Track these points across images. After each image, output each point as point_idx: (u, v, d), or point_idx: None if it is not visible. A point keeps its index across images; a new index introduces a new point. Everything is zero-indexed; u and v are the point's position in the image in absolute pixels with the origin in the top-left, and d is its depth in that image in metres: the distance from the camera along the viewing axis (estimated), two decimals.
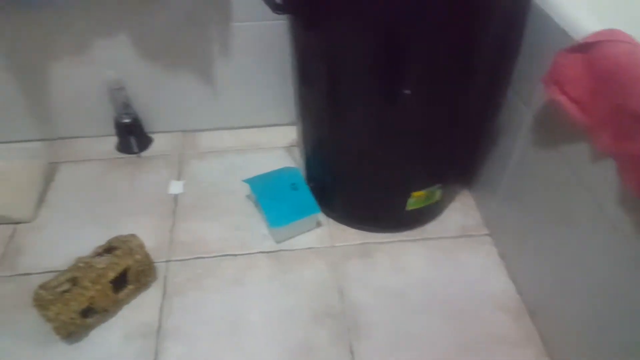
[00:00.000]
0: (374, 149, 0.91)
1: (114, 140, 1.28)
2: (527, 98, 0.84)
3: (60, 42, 1.11)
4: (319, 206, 1.04)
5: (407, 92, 0.77)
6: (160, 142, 1.29)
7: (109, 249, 0.94)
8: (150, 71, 1.19)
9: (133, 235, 0.95)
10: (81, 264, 0.90)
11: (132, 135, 1.23)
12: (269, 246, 1.04)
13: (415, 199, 0.98)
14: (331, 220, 1.10)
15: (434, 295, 0.95)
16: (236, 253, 1.03)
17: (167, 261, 1.01)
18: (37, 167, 1.15)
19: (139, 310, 0.93)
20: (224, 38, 1.15)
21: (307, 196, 1.05)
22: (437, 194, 1.01)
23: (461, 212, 1.11)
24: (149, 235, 1.00)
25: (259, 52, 1.18)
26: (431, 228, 1.07)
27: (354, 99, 0.84)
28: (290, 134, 1.32)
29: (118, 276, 0.90)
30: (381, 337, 0.89)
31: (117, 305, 0.92)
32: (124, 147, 1.25)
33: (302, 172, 1.11)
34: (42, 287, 0.87)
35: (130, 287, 0.92)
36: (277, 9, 0.79)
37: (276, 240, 1.05)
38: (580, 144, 0.71)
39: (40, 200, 1.13)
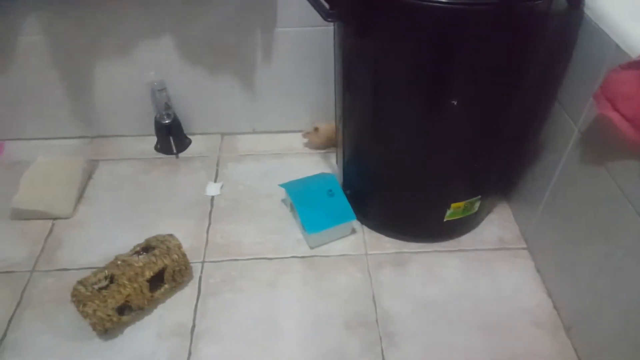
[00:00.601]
0: (416, 158, 0.90)
1: (153, 140, 1.30)
2: (574, 113, 0.82)
3: (107, 43, 1.15)
4: (354, 213, 1.03)
5: (454, 102, 0.77)
6: (198, 144, 1.31)
7: (147, 247, 0.96)
8: (192, 73, 1.21)
9: (171, 235, 0.97)
10: (119, 262, 0.92)
11: (171, 136, 1.25)
12: (303, 251, 1.05)
13: (454, 210, 0.97)
14: (365, 228, 1.09)
15: (468, 307, 0.94)
16: (270, 257, 1.03)
17: (202, 262, 1.02)
18: (77, 164, 1.18)
19: (174, 309, 0.94)
20: (267, 43, 1.16)
21: (343, 203, 1.04)
22: (476, 205, 0.99)
23: (498, 224, 1.09)
24: (185, 235, 1.01)
25: (300, 58, 1.20)
26: (467, 239, 1.06)
27: (399, 107, 0.84)
28: None
29: (155, 275, 0.91)
30: (414, 347, 0.88)
31: (153, 303, 0.93)
32: (163, 147, 1.28)
33: (338, 179, 1.11)
34: (81, 283, 0.89)
35: (166, 286, 0.94)
36: (328, 16, 0.79)
37: (310, 245, 1.05)
38: (629, 161, 0.69)
39: (79, 196, 1.15)
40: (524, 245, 1.05)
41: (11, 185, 1.14)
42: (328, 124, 1.22)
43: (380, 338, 0.89)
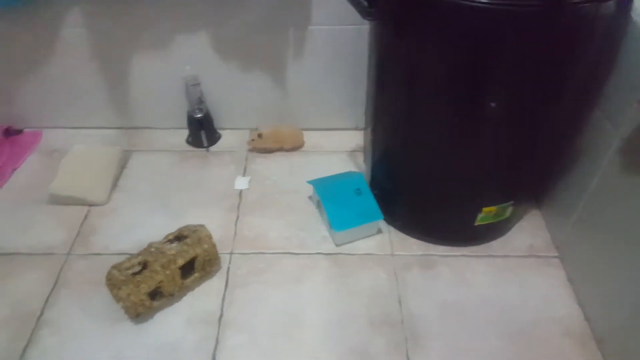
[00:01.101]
0: (449, 160, 0.90)
1: (184, 133, 1.33)
2: (616, 119, 0.81)
3: (145, 37, 1.17)
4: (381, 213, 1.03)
5: (493, 104, 0.76)
6: (228, 139, 1.33)
7: (179, 236, 0.98)
8: (225, 69, 1.23)
9: (202, 226, 0.98)
10: (153, 249, 0.94)
11: (203, 130, 1.28)
12: (328, 248, 1.05)
13: (485, 214, 0.96)
14: (392, 229, 1.09)
15: (496, 313, 0.92)
16: (296, 252, 1.04)
17: (230, 253, 1.04)
18: (113, 154, 1.21)
19: (203, 297, 0.95)
20: (300, 41, 1.18)
21: (370, 202, 1.05)
22: (508, 211, 0.98)
23: (529, 231, 1.08)
24: (214, 226, 1.02)
25: (332, 56, 1.20)
26: (497, 245, 1.05)
27: (434, 108, 0.84)
28: (354, 139, 1.33)
29: (186, 263, 0.93)
30: (440, 350, 0.87)
31: (183, 291, 0.95)
32: (194, 140, 1.30)
33: (365, 178, 1.11)
34: (115, 267, 0.92)
35: (196, 274, 0.95)
36: (367, 14, 0.80)
37: (336, 243, 1.06)
38: None
39: (114, 185, 1.18)
40: (556, 254, 1.03)
41: (49, 171, 1.18)
42: (271, 129, 1.26)
43: (406, 339, 0.89)
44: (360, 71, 1.21)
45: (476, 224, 0.98)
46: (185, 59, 1.20)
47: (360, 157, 1.27)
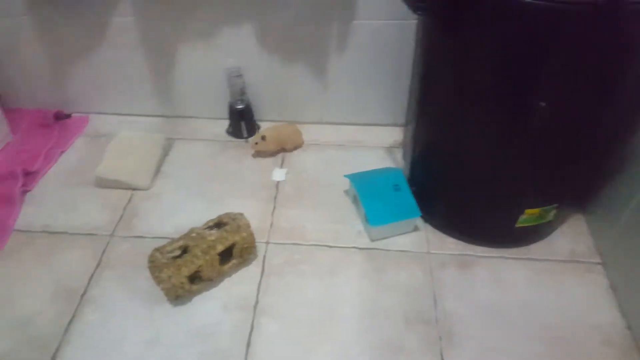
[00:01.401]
0: (493, 160, 0.88)
1: (224, 123, 1.35)
2: None
3: (192, 27, 1.20)
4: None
5: (543, 104, 0.74)
6: None
7: (219, 223, 1.00)
8: (268, 61, 1.24)
9: (241, 214, 1.00)
10: (194, 234, 0.96)
11: (243, 121, 1.30)
12: (364, 243, 1.05)
13: (528, 217, 0.95)
14: (429, 226, 1.08)
15: (534, 317, 0.91)
16: (331, 245, 1.05)
17: (267, 242, 1.05)
18: (157, 140, 1.24)
19: (239, 284, 0.97)
20: (343, 35, 1.18)
21: (409, 198, 1.04)
22: (552, 214, 0.96)
23: (571, 236, 1.05)
24: (251, 216, 1.03)
25: (375, 51, 1.20)
26: (537, 248, 1.03)
27: (481, 105, 0.83)
28: (392, 135, 1.33)
29: (225, 250, 0.95)
30: (474, 351, 0.86)
31: (221, 276, 0.97)
32: (234, 131, 1.32)
33: (404, 174, 1.11)
34: (158, 250, 0.94)
35: (234, 261, 0.97)
36: (417, 9, 0.79)
37: (371, 238, 1.06)
38: None
39: (157, 171, 1.22)
40: (599, 260, 1.00)
41: (95, 155, 1.23)
42: (274, 131, 1.25)
43: (440, 337, 0.88)
44: (402, 67, 1.21)
45: (517, 225, 0.96)
46: (229, 51, 1.23)
47: (397, 154, 1.27)
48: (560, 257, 1.01)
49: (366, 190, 1.06)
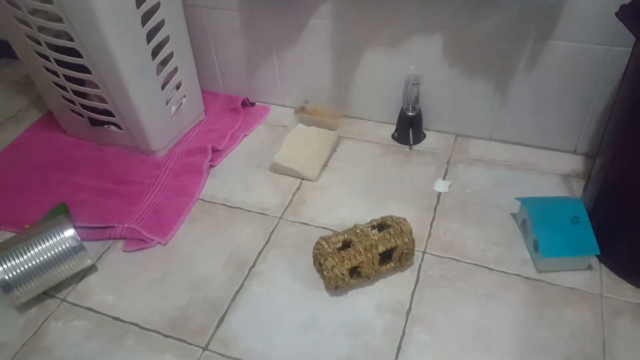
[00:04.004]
0: None
1: (391, 128, 1.38)
2: None
3: (382, 33, 1.24)
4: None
5: None
6: (431, 140, 1.35)
7: (382, 224, 1.03)
8: (448, 72, 1.24)
9: (405, 219, 1.02)
10: (358, 231, 1.01)
11: (411, 128, 1.31)
12: (529, 272, 1.00)
13: None
14: (604, 267, 0.99)
15: None
16: (492, 267, 1.01)
17: (423, 252, 1.06)
18: (330, 136, 1.32)
19: (393, 287, 0.99)
20: (536, 54, 1.12)
21: (588, 233, 0.96)
22: None
23: None
24: (409, 222, 1.05)
25: (568, 74, 1.13)
26: None
27: None
28: (569, 163, 1.23)
29: (385, 251, 0.98)
30: None
31: (377, 276, 1.00)
32: (399, 137, 1.34)
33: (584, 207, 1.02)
34: (324, 239, 1.01)
35: (392, 264, 1.00)
36: None
37: (538, 269, 1.00)
38: None
39: (325, 165, 1.30)
40: None
41: (272, 142, 1.35)
42: (314, 106, 1.41)
43: None
44: (595, 94, 1.12)
45: None
46: (413, 58, 1.25)
47: (575, 183, 1.17)
48: None
49: (541, 217, 1.00)
